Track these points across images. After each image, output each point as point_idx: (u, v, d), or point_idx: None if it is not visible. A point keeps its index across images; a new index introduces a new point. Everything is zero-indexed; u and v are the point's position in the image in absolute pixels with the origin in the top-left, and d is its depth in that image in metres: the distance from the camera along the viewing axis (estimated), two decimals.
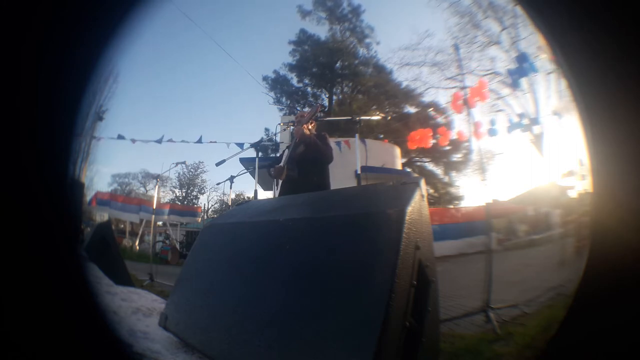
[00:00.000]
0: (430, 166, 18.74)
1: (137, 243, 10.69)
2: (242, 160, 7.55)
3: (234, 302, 1.30)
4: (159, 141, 6.01)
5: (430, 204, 1.45)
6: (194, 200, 24.04)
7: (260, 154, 3.68)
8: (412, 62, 18.52)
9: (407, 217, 1.03)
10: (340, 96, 20.16)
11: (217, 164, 3.61)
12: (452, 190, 18.22)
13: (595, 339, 0.78)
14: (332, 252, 1.12)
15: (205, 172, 23.87)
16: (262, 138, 3.97)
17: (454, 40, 16.74)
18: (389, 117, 16.19)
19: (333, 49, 19.36)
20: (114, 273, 2.94)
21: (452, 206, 16.23)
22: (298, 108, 19.00)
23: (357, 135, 3.14)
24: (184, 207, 16.37)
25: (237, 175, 4.18)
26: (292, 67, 19.97)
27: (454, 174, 18.20)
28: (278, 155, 3.09)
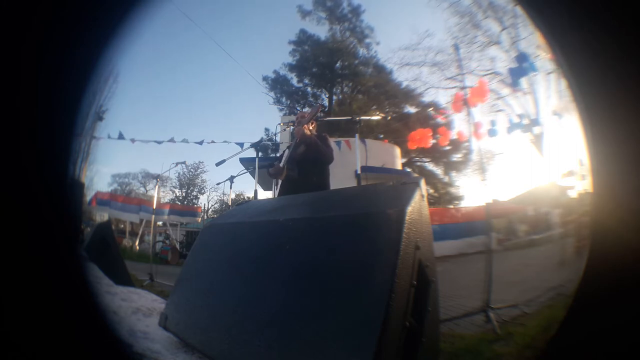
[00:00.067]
0: (430, 166, 18.76)
1: (137, 243, 10.69)
2: (242, 160, 7.55)
3: (234, 302, 1.30)
4: (159, 142, 6.02)
5: (430, 204, 1.45)
6: (194, 200, 24.07)
7: (260, 154, 3.68)
8: (412, 62, 18.54)
9: (407, 217, 1.03)
10: (340, 96, 20.19)
11: (217, 164, 3.61)
12: (452, 190, 18.24)
13: (595, 339, 0.78)
14: (332, 252, 1.12)
15: (205, 172, 23.90)
16: (262, 138, 3.97)
17: (454, 40, 16.76)
18: (389, 117, 16.19)
19: (333, 49, 19.37)
20: (114, 273, 2.94)
21: (452, 206, 16.24)
22: (298, 108, 19.03)
23: (357, 135, 3.14)
24: (184, 207, 16.37)
25: (237, 175, 4.19)
26: (292, 67, 20.00)
27: (454, 174, 18.22)
28: (278, 155, 3.09)
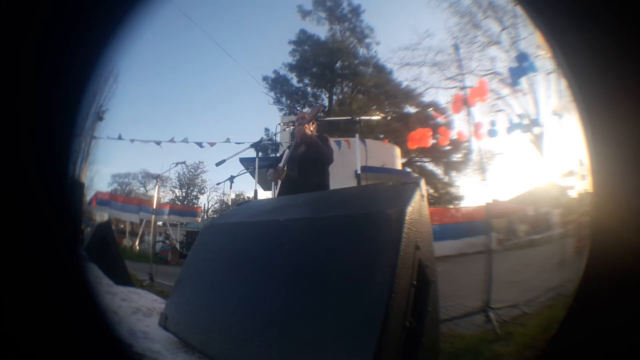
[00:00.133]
0: (430, 166, 18.76)
1: (137, 243, 10.69)
2: (242, 160, 7.54)
3: (234, 302, 1.30)
4: (158, 142, 6.02)
5: (430, 204, 1.45)
6: (194, 200, 24.06)
7: (260, 154, 3.67)
8: (412, 62, 18.53)
9: (407, 217, 1.03)
10: (340, 96, 20.19)
11: (217, 164, 3.61)
12: (452, 190, 18.24)
13: (595, 339, 0.78)
14: (332, 252, 1.12)
15: (205, 172, 23.89)
16: (262, 138, 3.96)
17: (454, 40, 16.76)
18: (389, 117, 16.19)
19: (333, 49, 19.37)
20: (114, 273, 2.94)
21: (452, 206, 16.24)
22: (298, 108, 19.03)
23: (357, 135, 3.14)
24: (184, 207, 16.37)
25: (237, 175, 4.19)
26: (292, 67, 20.00)
27: (454, 174, 18.22)
28: (278, 155, 3.09)
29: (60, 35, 0.75)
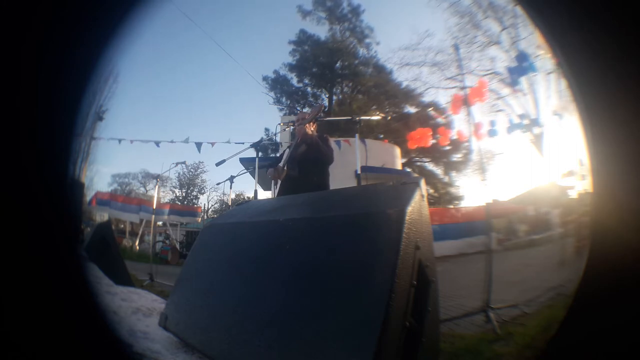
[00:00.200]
0: (430, 166, 18.76)
1: (137, 243, 10.69)
2: (242, 160, 7.54)
3: (234, 302, 1.30)
4: (157, 142, 6.02)
5: (430, 204, 1.45)
6: (194, 200, 24.07)
7: (260, 154, 3.67)
8: (412, 62, 18.53)
9: (407, 217, 1.03)
10: (340, 96, 20.19)
11: (217, 164, 3.61)
12: (452, 190, 18.24)
13: (595, 339, 0.78)
14: (332, 252, 1.12)
15: (205, 172, 23.91)
16: (262, 138, 3.96)
17: (454, 40, 16.76)
18: (389, 117, 16.19)
19: (333, 49, 19.36)
20: (114, 273, 2.94)
21: (452, 206, 16.23)
22: (298, 108, 19.03)
23: (357, 135, 3.14)
24: (184, 207, 16.37)
25: (237, 175, 4.18)
26: (292, 67, 19.99)
27: (454, 174, 18.21)
28: (278, 155, 3.09)
29: (60, 35, 0.75)
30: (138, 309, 2.09)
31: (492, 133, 4.13)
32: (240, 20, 33.66)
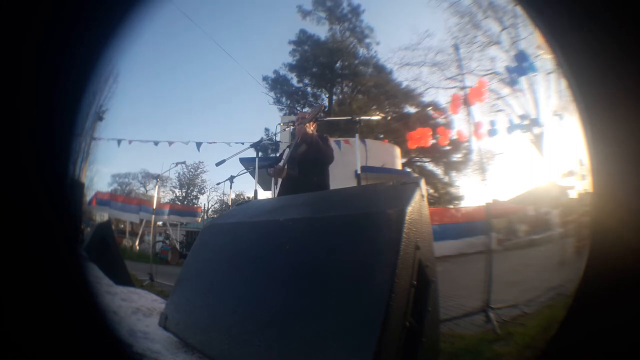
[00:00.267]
0: (430, 166, 18.76)
1: (137, 243, 10.68)
2: (242, 160, 7.54)
3: (234, 302, 1.30)
4: (156, 143, 6.02)
5: (430, 204, 1.45)
6: (194, 200, 24.07)
7: (260, 154, 3.67)
8: (412, 62, 18.53)
9: (407, 217, 1.03)
10: (340, 96, 20.19)
11: (217, 164, 3.61)
12: (452, 190, 18.23)
13: (595, 339, 0.78)
14: (332, 252, 1.12)
15: (205, 172, 23.91)
16: (262, 138, 3.96)
17: (454, 40, 16.75)
18: (389, 117, 16.19)
19: (333, 49, 19.36)
20: (114, 273, 2.94)
21: (452, 206, 16.23)
22: (298, 108, 19.03)
23: (357, 135, 3.14)
24: (184, 207, 16.38)
25: (237, 175, 4.18)
26: (292, 67, 19.99)
27: (454, 174, 18.21)
28: (278, 155, 3.09)
29: (60, 35, 0.75)
30: (138, 309, 2.09)
31: (492, 133, 4.13)
32: (240, 20, 33.70)
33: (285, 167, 2.51)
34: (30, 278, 0.73)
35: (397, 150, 12.44)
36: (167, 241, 11.45)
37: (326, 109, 17.17)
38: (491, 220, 3.22)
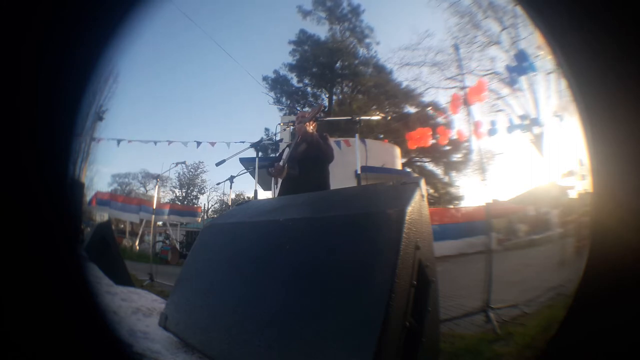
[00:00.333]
0: (430, 166, 18.77)
1: (137, 243, 10.68)
2: (242, 160, 7.55)
3: (234, 302, 1.30)
4: (155, 142, 6.03)
5: (430, 204, 1.45)
6: (194, 200, 24.08)
7: (260, 154, 3.67)
8: (412, 62, 18.53)
9: (407, 217, 1.03)
10: (340, 96, 20.19)
11: (217, 164, 3.61)
12: (452, 190, 18.24)
13: (595, 339, 0.78)
14: (332, 252, 1.12)
15: (205, 172, 23.92)
16: (262, 138, 3.97)
17: (454, 40, 16.75)
18: (389, 117, 16.20)
19: (333, 49, 19.36)
20: (114, 273, 2.94)
21: (452, 206, 16.24)
22: (298, 108, 19.02)
23: (357, 135, 3.14)
24: (184, 207, 16.38)
25: (237, 175, 4.18)
26: (292, 67, 19.99)
27: (454, 174, 18.22)
28: (278, 154, 3.09)
29: (60, 35, 0.75)
30: (138, 309, 2.09)
31: (492, 133, 4.13)
32: (240, 20, 33.70)
33: (285, 166, 2.51)
34: (30, 278, 0.73)
35: (397, 150, 12.44)
36: (167, 241, 11.45)
37: (326, 109, 17.17)
38: (491, 220, 3.22)
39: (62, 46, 0.76)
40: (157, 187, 8.55)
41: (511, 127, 4.27)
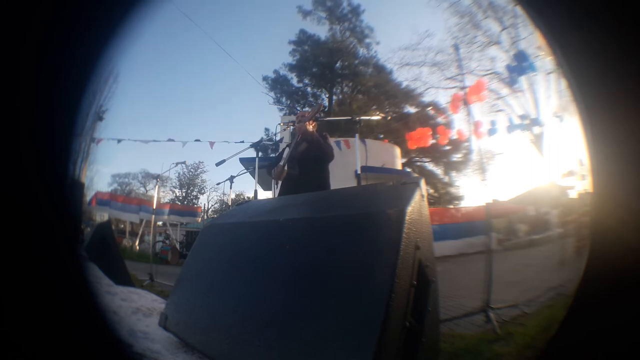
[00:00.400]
0: (430, 166, 18.77)
1: (137, 243, 10.68)
2: (242, 160, 7.55)
3: (234, 302, 1.30)
4: (157, 141, 6.03)
5: (430, 204, 1.45)
6: (194, 200, 24.09)
7: (260, 154, 3.67)
8: (412, 62, 18.53)
9: (407, 217, 1.03)
10: (340, 96, 20.19)
11: (217, 164, 3.61)
12: (452, 190, 18.24)
13: (595, 339, 0.78)
14: (332, 252, 1.12)
15: (205, 172, 23.93)
16: (262, 138, 3.97)
17: (454, 40, 16.75)
18: (389, 117, 16.19)
19: (333, 49, 19.36)
20: (114, 273, 2.94)
21: (452, 206, 16.24)
22: (298, 108, 19.02)
23: (357, 135, 3.14)
24: (184, 207, 16.37)
25: (237, 175, 4.19)
26: (292, 67, 20.00)
27: (454, 174, 18.22)
28: (278, 154, 3.09)
29: (60, 35, 0.75)
30: (138, 309, 2.08)
31: (492, 133, 4.13)
32: (240, 20, 33.70)
33: (285, 167, 2.51)
34: (30, 278, 0.73)
35: (397, 150, 12.44)
36: (167, 241, 11.45)
37: (326, 109, 17.17)
38: (491, 220, 3.22)
39: (62, 46, 0.76)
40: (157, 187, 8.55)
41: (511, 127, 4.26)
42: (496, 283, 2.62)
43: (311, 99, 19.78)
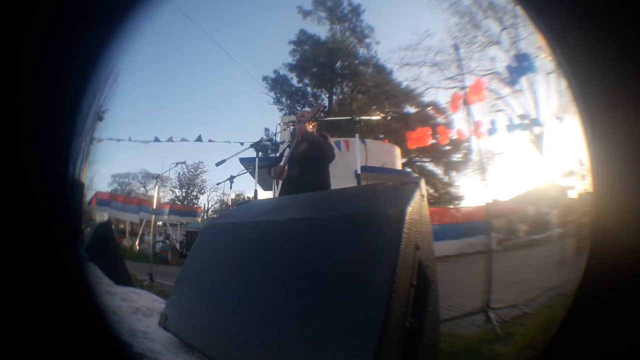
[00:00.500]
0: (430, 166, 18.77)
1: (137, 243, 10.68)
2: (242, 160, 7.55)
3: (234, 302, 1.30)
4: (157, 140, 6.02)
5: (430, 204, 1.45)
6: (194, 200, 24.07)
7: (260, 154, 3.68)
8: (412, 62, 18.52)
9: (407, 217, 1.03)
10: (340, 96, 20.19)
11: (217, 164, 3.61)
12: (452, 190, 18.24)
13: (595, 339, 0.78)
14: (332, 252, 1.12)
15: (205, 172, 23.91)
16: (262, 138, 3.97)
17: (454, 40, 16.74)
18: (389, 117, 16.20)
19: (333, 49, 19.36)
20: (114, 273, 2.94)
21: (452, 206, 16.24)
22: (298, 108, 19.02)
23: (357, 135, 3.14)
24: (184, 207, 16.37)
25: (237, 175, 4.19)
26: (292, 67, 19.99)
27: (454, 174, 18.22)
28: (278, 154, 3.09)
29: (60, 35, 0.75)
30: (138, 309, 2.09)
31: (492, 132, 4.13)
32: (240, 20, 33.66)
33: (286, 167, 2.51)
34: (30, 278, 0.73)
35: (397, 150, 12.44)
36: (167, 241, 11.45)
37: (326, 109, 17.17)
38: (491, 220, 3.22)
39: (62, 46, 0.76)
40: (157, 187, 8.56)
41: (511, 127, 4.27)
42: (496, 283, 2.62)
43: (311, 99, 19.80)
